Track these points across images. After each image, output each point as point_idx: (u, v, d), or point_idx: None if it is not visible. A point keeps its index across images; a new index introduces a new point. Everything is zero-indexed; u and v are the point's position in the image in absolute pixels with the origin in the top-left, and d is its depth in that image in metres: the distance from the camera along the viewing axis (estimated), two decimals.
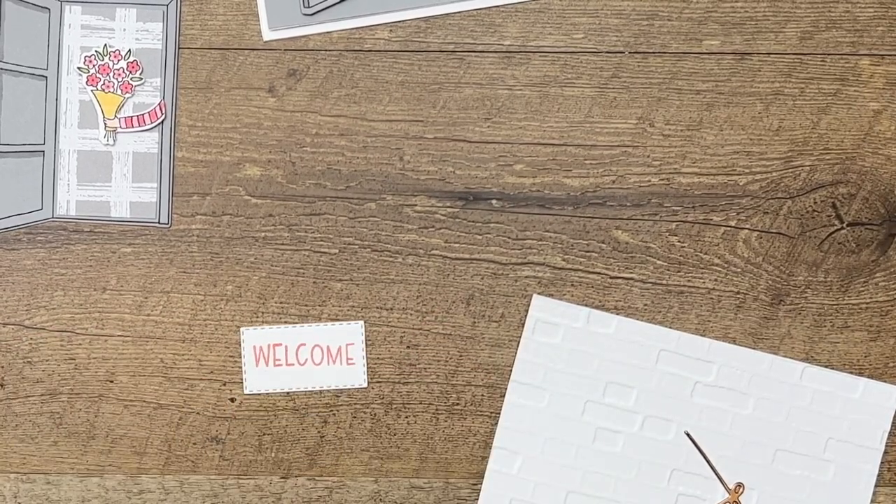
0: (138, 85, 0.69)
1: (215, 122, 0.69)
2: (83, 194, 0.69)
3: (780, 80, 0.69)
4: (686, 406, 0.67)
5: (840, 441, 0.67)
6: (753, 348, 0.68)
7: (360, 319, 0.69)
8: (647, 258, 0.69)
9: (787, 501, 0.67)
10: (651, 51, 0.69)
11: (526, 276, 0.69)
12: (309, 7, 0.68)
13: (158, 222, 0.69)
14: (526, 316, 0.69)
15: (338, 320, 0.69)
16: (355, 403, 0.69)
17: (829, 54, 0.69)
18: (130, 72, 0.69)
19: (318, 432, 0.69)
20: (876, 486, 0.68)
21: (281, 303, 0.69)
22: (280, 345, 0.69)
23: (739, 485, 0.67)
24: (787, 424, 0.67)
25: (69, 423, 0.69)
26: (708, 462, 0.67)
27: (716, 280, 0.69)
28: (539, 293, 0.68)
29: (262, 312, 0.69)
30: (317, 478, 0.69)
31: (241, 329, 0.69)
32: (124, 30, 0.69)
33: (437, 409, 0.69)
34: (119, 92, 0.69)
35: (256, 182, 0.69)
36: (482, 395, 0.69)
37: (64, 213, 0.69)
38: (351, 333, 0.69)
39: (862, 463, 0.67)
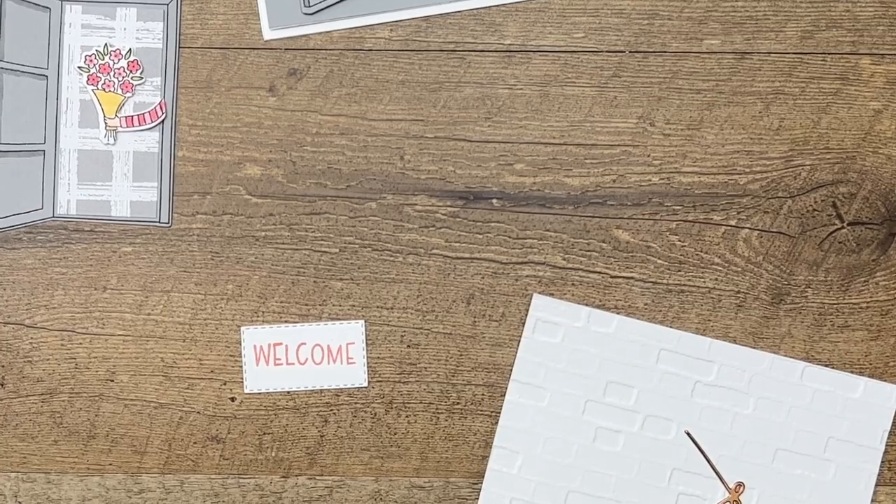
0: (139, 84, 0.69)
1: (216, 122, 0.69)
2: (84, 193, 0.69)
3: (780, 80, 0.69)
4: (686, 405, 0.67)
5: (840, 440, 0.67)
6: (754, 348, 0.68)
7: (361, 319, 0.69)
8: (648, 257, 0.69)
9: (787, 501, 0.67)
10: (651, 50, 0.69)
11: (526, 276, 0.69)
12: (309, 6, 0.68)
13: (159, 221, 0.69)
14: (526, 315, 0.69)
15: (338, 319, 0.69)
16: (356, 403, 0.69)
17: (829, 54, 0.69)
18: (131, 71, 0.69)
19: (319, 432, 0.69)
20: (876, 485, 0.68)
21: (281, 302, 0.69)
22: (280, 344, 0.69)
23: (740, 484, 0.67)
24: (788, 424, 0.67)
25: (69, 423, 0.69)
26: (708, 461, 0.67)
27: (716, 279, 0.69)
28: (539, 292, 0.68)
29: (263, 312, 0.69)
30: (317, 477, 0.69)
31: (242, 328, 0.69)
32: (125, 29, 0.69)
33: (437, 409, 0.69)
34: (119, 91, 0.69)
35: (257, 181, 0.69)
36: (482, 395, 0.69)
37: (64, 213, 0.69)
38: (351, 333, 0.69)
39: (862, 462, 0.67)
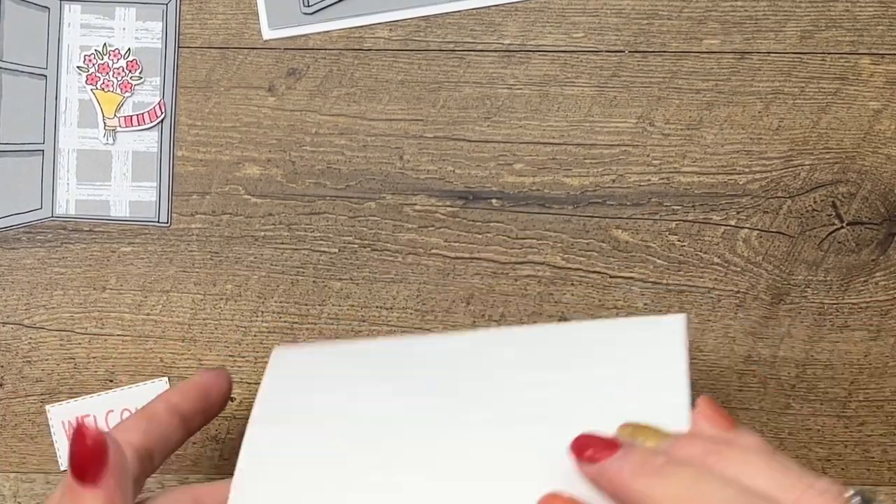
0: (138, 84, 0.69)
1: (215, 122, 0.69)
2: (83, 193, 0.69)
3: (779, 80, 0.69)
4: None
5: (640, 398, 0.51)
6: (753, 347, 0.68)
7: (361, 319, 0.69)
8: (647, 257, 0.69)
9: None
10: (651, 50, 0.69)
11: (526, 276, 0.69)
12: (309, 6, 0.68)
13: (158, 221, 0.69)
14: (526, 315, 0.69)
15: (338, 319, 0.69)
16: None
17: (829, 53, 0.69)
18: (130, 71, 0.69)
19: None
20: (877, 485, 0.68)
21: (280, 302, 0.69)
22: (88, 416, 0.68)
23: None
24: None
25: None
26: None
27: (716, 279, 0.69)
28: (539, 291, 0.68)
29: (262, 312, 0.69)
30: None
31: (48, 407, 0.69)
32: (124, 29, 0.69)
33: None
34: (118, 91, 0.69)
35: (256, 181, 0.69)
36: None
37: (63, 213, 0.69)
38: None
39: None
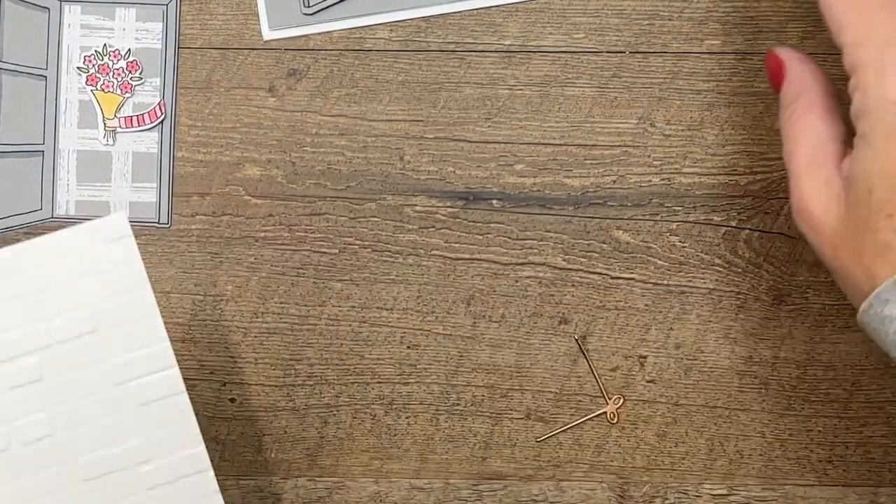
0: (138, 84, 0.69)
1: (215, 122, 0.69)
2: (83, 194, 0.69)
3: None
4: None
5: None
6: (755, 348, 0.68)
7: (362, 320, 0.69)
8: (648, 258, 0.69)
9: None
10: (652, 50, 0.69)
11: (526, 277, 0.69)
12: (309, 7, 0.68)
13: (158, 222, 0.69)
14: (527, 316, 0.68)
15: (338, 320, 0.69)
16: (355, 404, 0.69)
17: (830, 54, 0.69)
18: (130, 71, 0.69)
19: (318, 433, 0.69)
20: (878, 487, 0.68)
21: (281, 303, 0.69)
22: None
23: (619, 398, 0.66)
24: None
25: None
26: (593, 373, 0.66)
27: (717, 280, 0.69)
28: (540, 293, 0.68)
29: (262, 313, 0.69)
30: (317, 478, 0.69)
31: None
32: (124, 29, 0.69)
33: (437, 410, 0.69)
34: (119, 92, 0.69)
35: (256, 182, 0.69)
36: (482, 396, 0.69)
37: (63, 214, 0.69)
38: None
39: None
